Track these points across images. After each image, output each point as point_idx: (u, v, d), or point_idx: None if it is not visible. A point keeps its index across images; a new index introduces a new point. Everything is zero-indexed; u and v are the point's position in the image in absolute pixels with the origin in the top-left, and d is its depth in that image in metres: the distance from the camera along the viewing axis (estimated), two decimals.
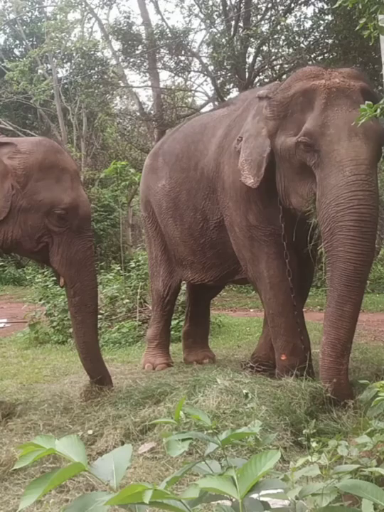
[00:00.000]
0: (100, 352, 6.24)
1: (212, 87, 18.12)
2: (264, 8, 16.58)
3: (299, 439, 4.15)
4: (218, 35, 15.47)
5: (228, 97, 16.24)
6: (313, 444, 2.63)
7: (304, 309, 6.31)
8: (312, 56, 14.80)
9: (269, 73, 17.47)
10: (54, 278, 9.21)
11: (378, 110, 4.13)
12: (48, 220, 5.55)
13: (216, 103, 17.79)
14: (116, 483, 1.53)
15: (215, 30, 15.98)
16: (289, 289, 5.80)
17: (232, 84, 16.94)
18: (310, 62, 13.90)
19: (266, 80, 16.58)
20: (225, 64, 15.48)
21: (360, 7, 4.53)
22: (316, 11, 14.64)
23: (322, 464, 2.29)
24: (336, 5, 4.64)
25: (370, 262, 5.29)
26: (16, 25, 22.58)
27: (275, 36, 14.63)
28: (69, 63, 21.51)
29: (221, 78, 16.72)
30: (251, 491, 1.67)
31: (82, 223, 5.73)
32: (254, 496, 1.76)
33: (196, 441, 4.09)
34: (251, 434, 2.46)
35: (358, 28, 4.78)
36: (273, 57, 16.49)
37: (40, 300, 11.26)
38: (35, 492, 1.50)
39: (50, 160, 5.59)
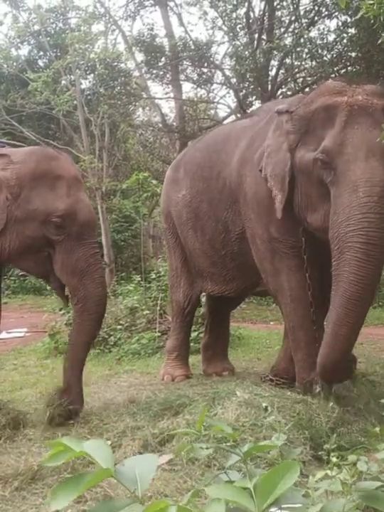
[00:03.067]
0: (82, 368, 5.93)
1: (235, 99, 18.11)
2: (287, 21, 16.49)
3: (319, 453, 4.12)
4: (241, 47, 15.43)
5: (251, 109, 16.20)
6: (334, 459, 2.60)
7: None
8: (335, 69, 14.72)
9: (292, 86, 17.43)
10: None
11: None
12: (45, 229, 5.49)
13: (238, 115, 17.76)
14: (140, 492, 1.51)
15: (238, 42, 15.90)
16: (309, 303, 5.77)
17: (254, 97, 16.91)
18: (333, 75, 13.84)
19: (288, 93, 16.53)
20: (247, 76, 15.46)
21: (382, 20, 4.52)
22: (340, 24, 14.55)
23: (344, 479, 2.25)
24: (358, 16, 4.63)
25: (375, 286, 5.24)
26: (40, 37, 22.69)
27: (298, 49, 14.57)
28: (92, 74, 21.53)
29: (244, 90, 16.68)
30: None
31: (82, 230, 5.61)
32: (272, 510, 1.72)
33: (215, 454, 4.08)
34: (273, 447, 2.44)
35: (380, 41, 4.77)
36: (296, 70, 16.45)
37: (60, 310, 11.29)
38: (65, 494, 1.46)
39: (43, 168, 5.54)
